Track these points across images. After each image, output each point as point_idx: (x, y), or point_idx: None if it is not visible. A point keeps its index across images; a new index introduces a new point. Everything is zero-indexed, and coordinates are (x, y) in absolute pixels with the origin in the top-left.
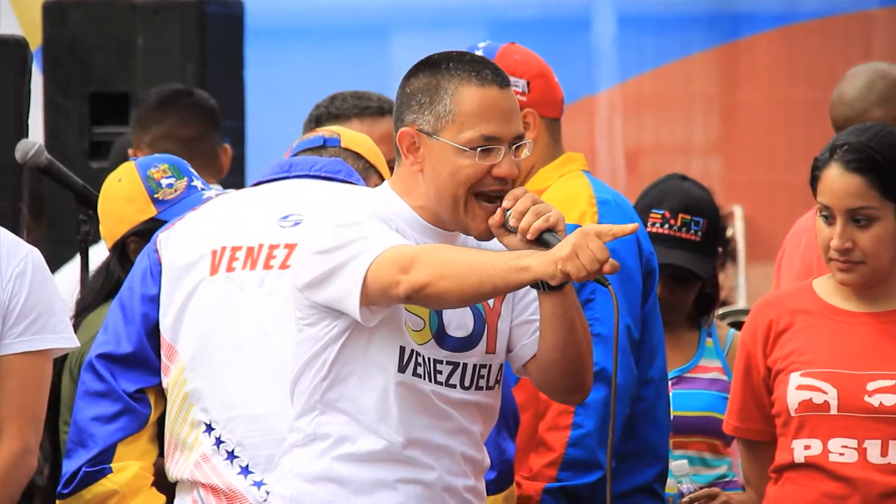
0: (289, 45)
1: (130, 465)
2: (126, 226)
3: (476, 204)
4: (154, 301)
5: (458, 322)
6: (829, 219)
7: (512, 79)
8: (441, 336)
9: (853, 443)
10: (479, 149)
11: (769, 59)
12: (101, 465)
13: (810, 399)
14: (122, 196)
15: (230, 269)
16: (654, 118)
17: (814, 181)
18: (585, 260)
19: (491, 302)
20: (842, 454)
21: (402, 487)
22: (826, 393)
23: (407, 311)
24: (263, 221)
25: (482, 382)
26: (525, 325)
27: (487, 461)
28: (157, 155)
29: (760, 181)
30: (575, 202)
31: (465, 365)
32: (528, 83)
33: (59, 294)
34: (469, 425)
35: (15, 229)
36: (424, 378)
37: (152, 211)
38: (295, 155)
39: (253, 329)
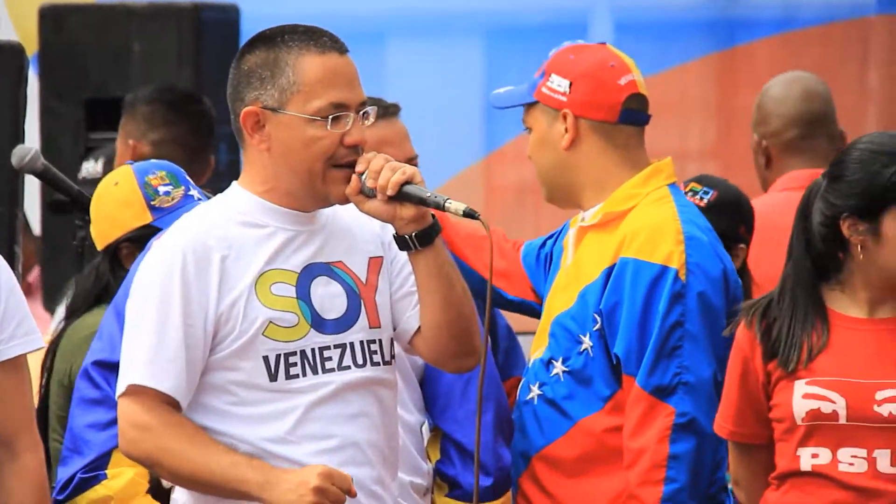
0: None
1: (125, 472)
2: (120, 230)
3: (332, 170)
4: None
5: (331, 304)
6: None
7: (557, 79)
8: (319, 322)
9: (863, 452)
10: (329, 117)
11: (767, 65)
12: (95, 471)
13: (818, 408)
14: (118, 200)
15: None
16: (651, 124)
17: None
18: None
19: (363, 277)
20: (851, 464)
21: None
22: (834, 402)
23: (274, 310)
24: None
25: (376, 357)
26: (407, 298)
27: (391, 448)
28: (153, 161)
29: (758, 187)
30: (662, 238)
31: (351, 344)
32: (571, 84)
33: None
34: (367, 408)
35: (12, 235)
36: (306, 374)
37: (148, 217)
38: None
39: None
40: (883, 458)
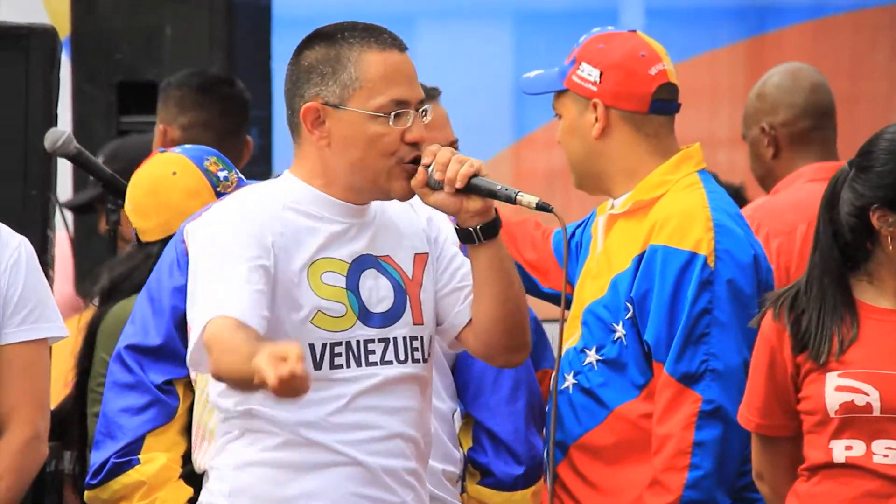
0: None
1: (158, 457)
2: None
3: (395, 167)
4: (182, 292)
5: (378, 297)
6: None
7: (587, 68)
8: (365, 315)
9: None
10: (392, 114)
11: (797, 52)
12: (128, 456)
13: (852, 401)
14: (182, 189)
15: None
16: (680, 111)
17: None
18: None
19: (410, 272)
20: (886, 455)
21: (335, 470)
22: (868, 395)
23: (324, 299)
24: None
25: (417, 355)
26: (455, 293)
27: (426, 443)
28: (192, 146)
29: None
30: (691, 225)
31: (395, 339)
32: (602, 73)
33: (48, 283)
34: (407, 402)
35: (45, 219)
36: (350, 366)
37: None
38: None
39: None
40: None
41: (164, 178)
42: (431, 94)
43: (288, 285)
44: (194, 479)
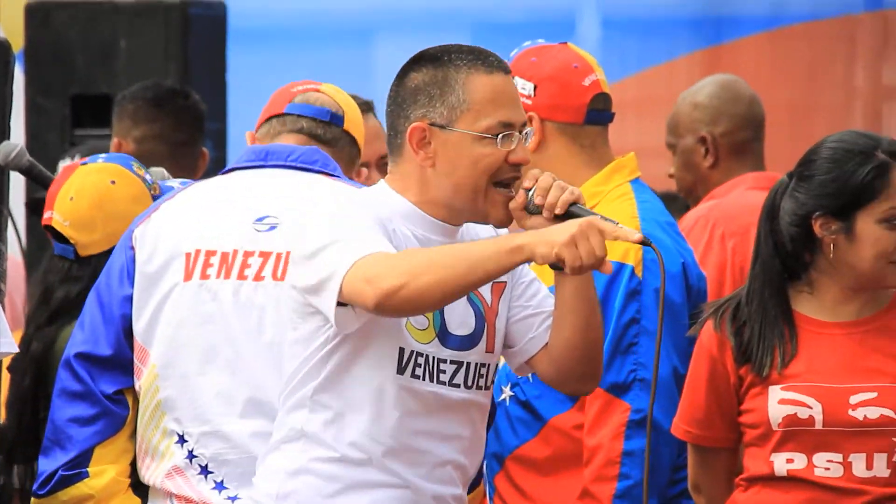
0: (272, 47)
1: (107, 470)
2: None
3: (494, 191)
4: (131, 301)
5: (460, 320)
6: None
7: (520, 82)
8: (444, 335)
9: (838, 457)
10: (499, 135)
11: (753, 62)
12: (77, 468)
13: (795, 414)
14: (127, 197)
15: (204, 276)
16: (637, 121)
17: (876, 189)
18: (584, 252)
19: (489, 300)
20: (827, 468)
21: (384, 491)
22: (811, 408)
23: None
24: (238, 223)
25: (482, 382)
26: (530, 319)
27: (474, 470)
28: (110, 154)
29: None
30: None
31: (467, 364)
32: (536, 87)
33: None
34: (462, 430)
35: None
36: (424, 379)
37: None
38: (292, 115)
39: (225, 342)
40: (858, 462)
41: (104, 188)
42: (363, 109)
43: None
44: (141, 488)
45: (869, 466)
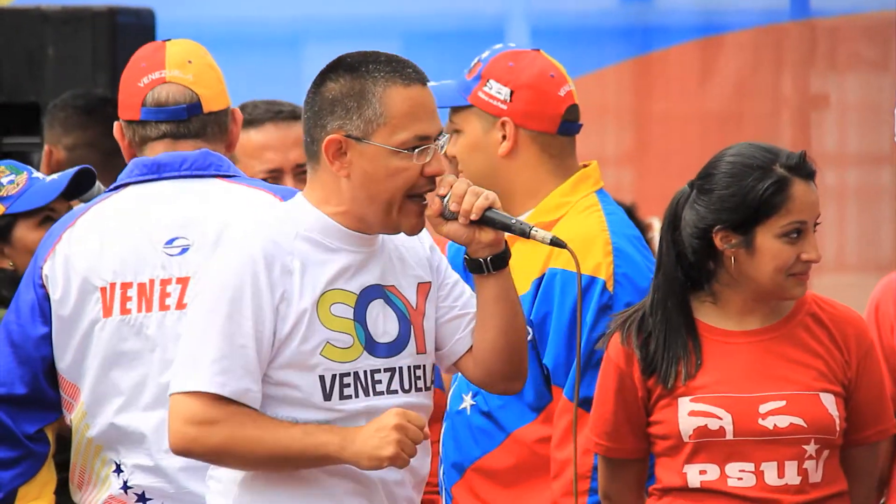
0: None
1: None
2: None
3: (409, 202)
4: (47, 339)
5: (383, 328)
6: (798, 234)
7: (496, 85)
8: (371, 345)
9: (750, 466)
10: (415, 149)
11: (683, 71)
12: None
13: (705, 425)
14: None
15: (125, 310)
16: None
17: (775, 204)
18: (409, 451)
19: (414, 301)
20: (740, 479)
21: (340, 494)
22: (721, 419)
23: (333, 331)
24: (147, 249)
25: (420, 383)
26: (457, 320)
27: (425, 472)
28: None
29: (674, 192)
30: (590, 249)
31: (400, 369)
32: (513, 93)
33: None
34: None
35: None
36: (358, 395)
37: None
38: (150, 122)
39: (153, 376)
40: (770, 471)
41: None
42: (288, 116)
43: (298, 318)
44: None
45: (780, 475)
